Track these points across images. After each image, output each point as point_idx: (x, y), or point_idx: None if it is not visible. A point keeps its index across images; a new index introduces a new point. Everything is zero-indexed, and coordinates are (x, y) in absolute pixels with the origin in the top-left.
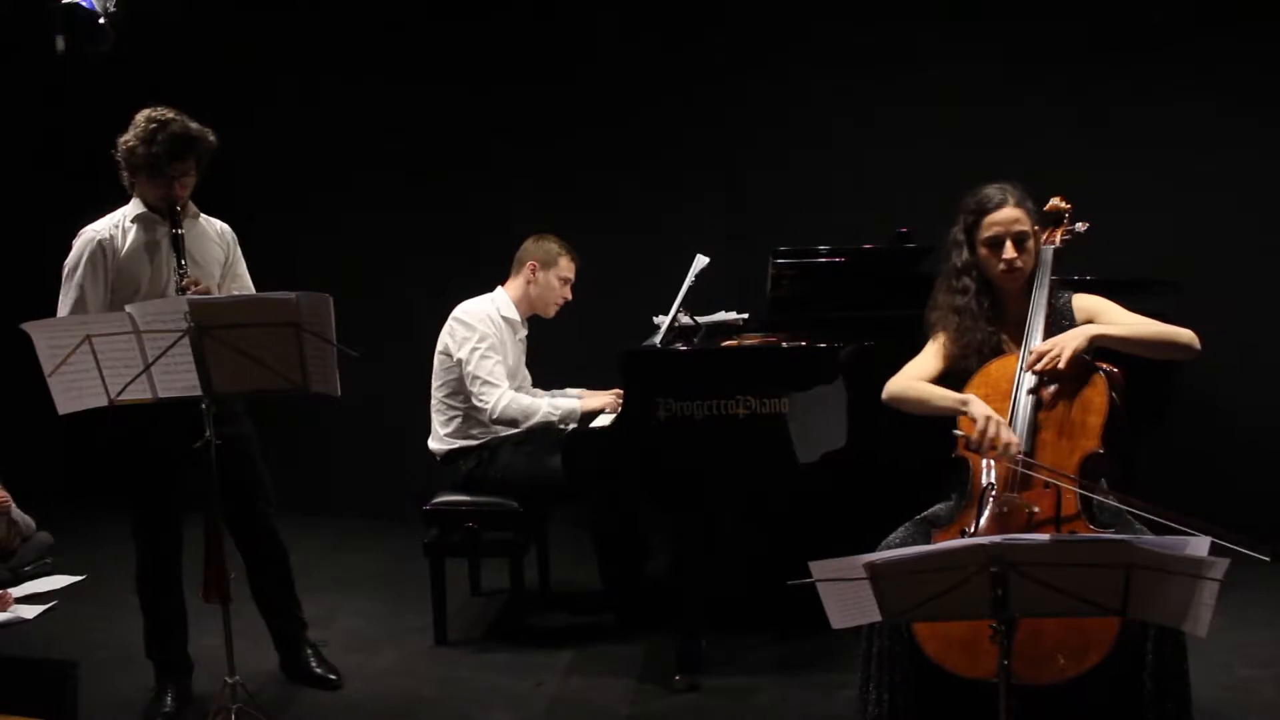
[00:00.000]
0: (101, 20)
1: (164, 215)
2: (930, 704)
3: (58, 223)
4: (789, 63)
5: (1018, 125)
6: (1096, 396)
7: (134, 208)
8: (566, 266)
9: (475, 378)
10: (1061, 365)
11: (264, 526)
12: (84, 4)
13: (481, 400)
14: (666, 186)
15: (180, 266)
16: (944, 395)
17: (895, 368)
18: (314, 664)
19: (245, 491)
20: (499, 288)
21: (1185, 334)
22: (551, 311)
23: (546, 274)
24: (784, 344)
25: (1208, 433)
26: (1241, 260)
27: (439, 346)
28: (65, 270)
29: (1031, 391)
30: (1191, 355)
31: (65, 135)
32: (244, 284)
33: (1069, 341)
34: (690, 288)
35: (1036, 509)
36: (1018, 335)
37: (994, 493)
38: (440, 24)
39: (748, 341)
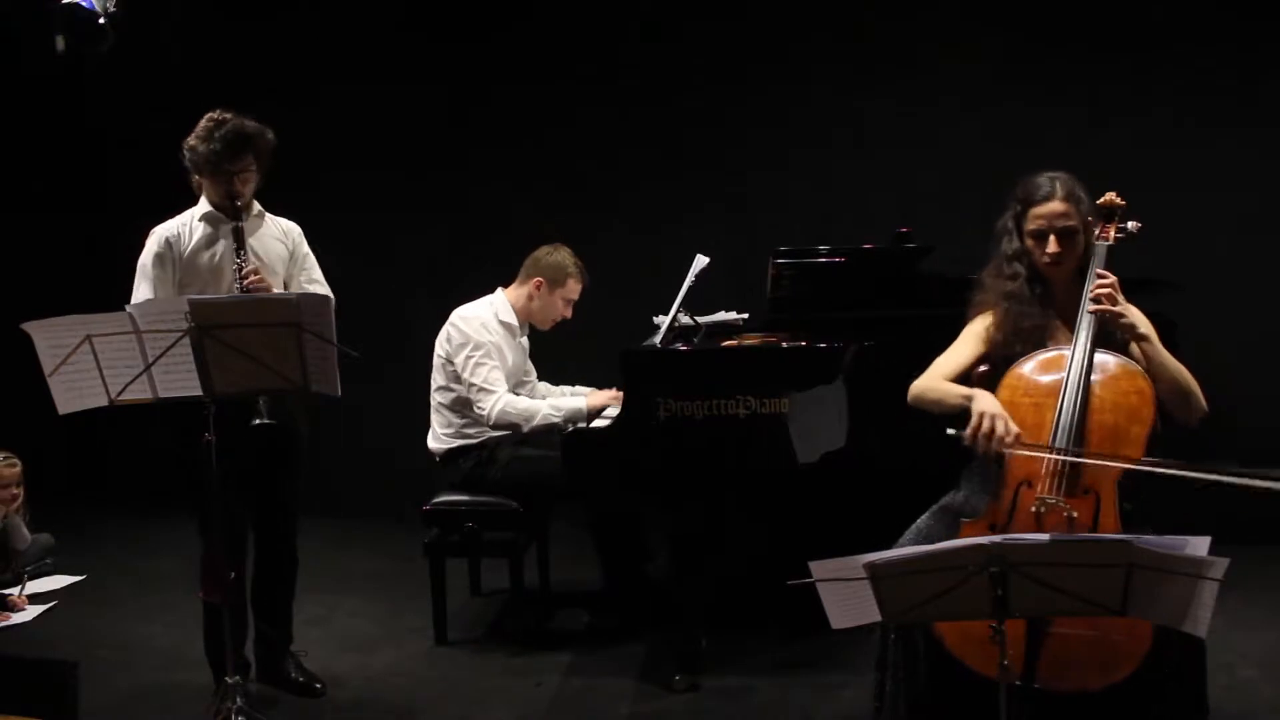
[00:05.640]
0: (101, 20)
1: (228, 212)
2: (946, 702)
3: (60, 223)
4: (789, 63)
5: (1018, 125)
6: (1144, 407)
7: (201, 207)
8: (573, 288)
9: (472, 385)
10: (1118, 309)
11: (288, 530)
12: (84, 4)
13: (479, 407)
14: (667, 186)
15: (239, 257)
16: (955, 392)
17: (895, 368)
18: (293, 672)
19: (282, 493)
20: (500, 290)
21: (1202, 399)
22: (548, 327)
23: (551, 293)
24: (784, 344)
25: (1207, 432)
26: (1242, 260)
27: (437, 349)
28: (138, 267)
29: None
30: (1192, 419)
31: (64, 135)
32: (311, 276)
33: (1129, 307)
34: (690, 288)
35: (1075, 514)
36: (1066, 325)
37: (1032, 491)
38: (439, 24)
39: (748, 341)
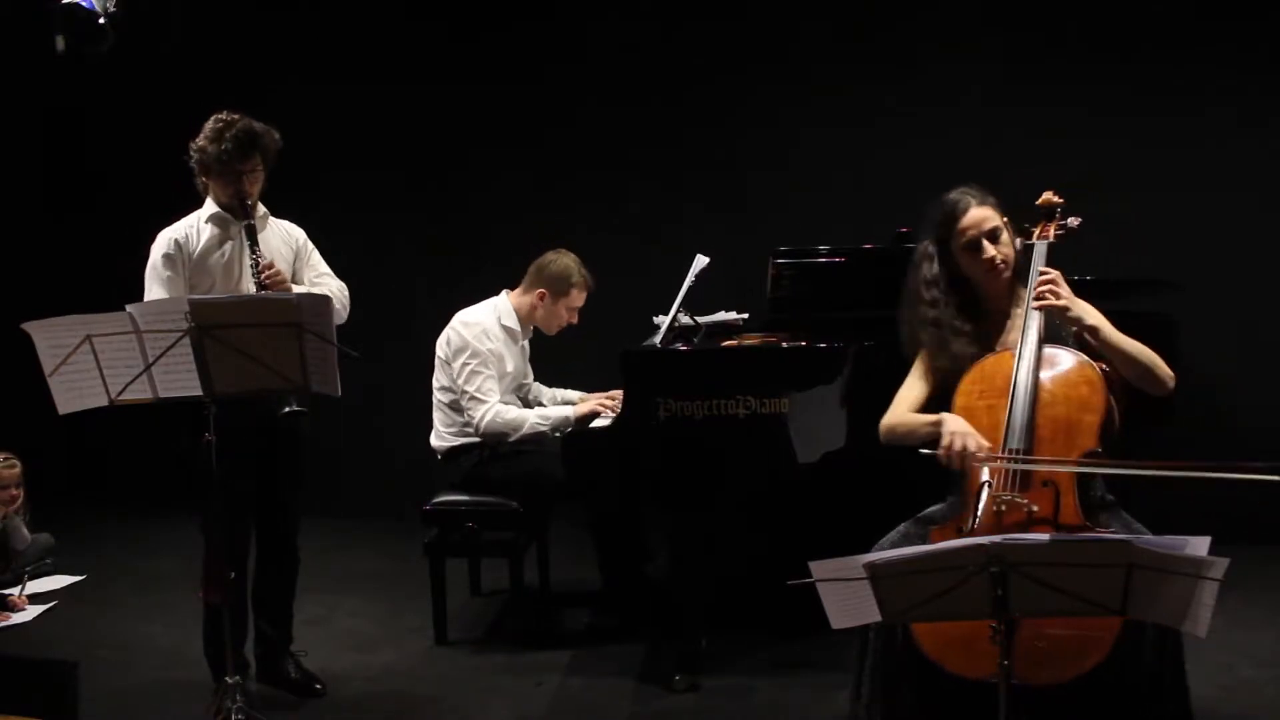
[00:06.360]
0: (101, 20)
1: (235, 213)
2: (926, 704)
3: (59, 223)
4: (789, 62)
5: (1017, 125)
6: (1094, 396)
7: (207, 209)
8: (577, 297)
9: (465, 392)
10: (1060, 303)
11: (289, 530)
12: (84, 4)
13: (469, 414)
14: (666, 186)
15: (254, 253)
16: (923, 421)
17: (894, 368)
18: (294, 673)
19: (283, 493)
20: (504, 293)
21: (1166, 369)
22: (553, 332)
23: (555, 304)
24: (784, 344)
25: (1207, 432)
26: (1242, 260)
27: (438, 349)
28: (148, 270)
29: (1030, 388)
30: (1162, 392)
31: (64, 134)
32: (319, 270)
33: (1074, 299)
34: (690, 288)
35: (1035, 508)
36: (1005, 328)
37: (991, 491)
38: (440, 24)
39: (748, 341)
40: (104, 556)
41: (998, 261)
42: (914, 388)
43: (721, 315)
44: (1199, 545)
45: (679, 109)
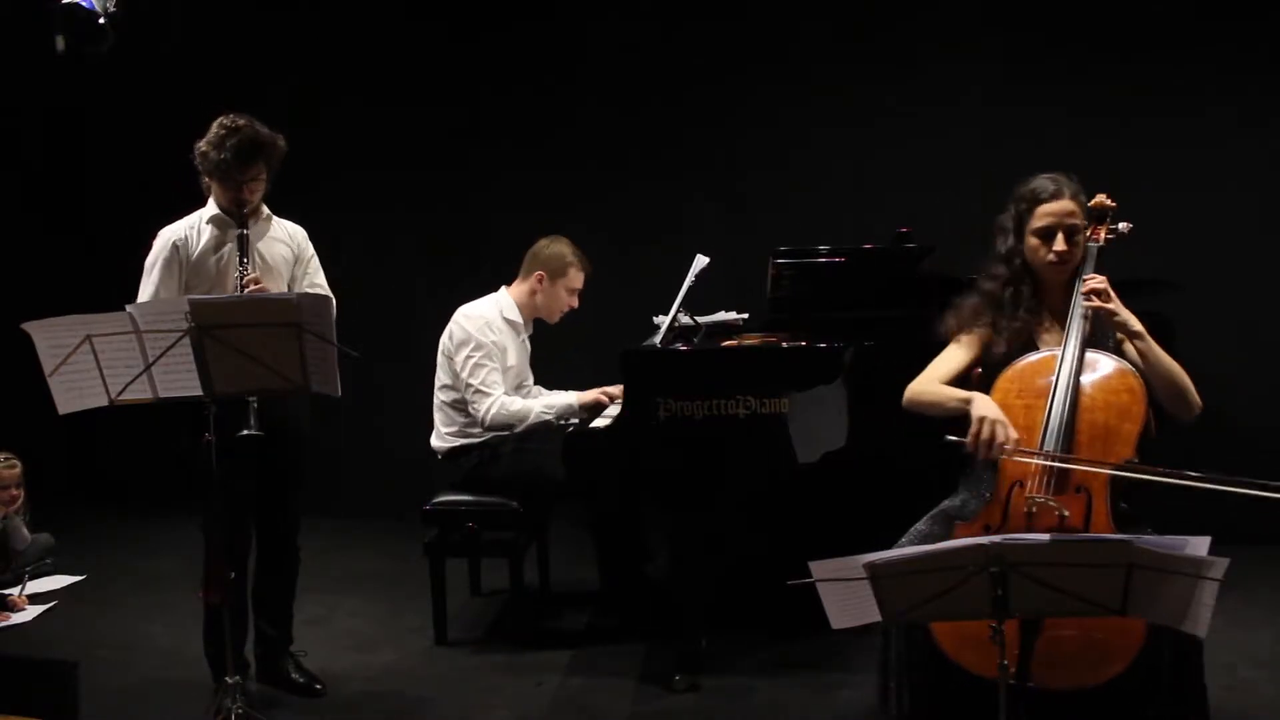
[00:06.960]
0: (101, 20)
1: (234, 218)
2: (948, 703)
3: (58, 223)
4: (789, 63)
5: (1018, 125)
6: (1135, 404)
7: (209, 209)
8: (575, 277)
9: (469, 385)
10: (1110, 306)
11: (289, 530)
12: (84, 4)
13: (474, 408)
14: (667, 186)
15: (242, 264)
16: (952, 395)
17: (894, 368)
18: (294, 673)
19: (284, 493)
20: (503, 288)
21: (1197, 397)
22: (556, 319)
23: (554, 285)
24: (784, 344)
25: (1206, 433)
26: (1242, 260)
27: (441, 347)
28: (145, 267)
29: (1071, 391)
30: (1187, 416)
31: (65, 135)
32: (314, 280)
33: (1121, 306)
34: (690, 288)
35: (1067, 513)
36: (1056, 327)
37: (1024, 491)
38: (440, 24)
39: (748, 341)
40: (104, 556)
41: (1065, 256)
42: (951, 359)
43: (721, 315)
44: (1199, 545)
45: (679, 109)
